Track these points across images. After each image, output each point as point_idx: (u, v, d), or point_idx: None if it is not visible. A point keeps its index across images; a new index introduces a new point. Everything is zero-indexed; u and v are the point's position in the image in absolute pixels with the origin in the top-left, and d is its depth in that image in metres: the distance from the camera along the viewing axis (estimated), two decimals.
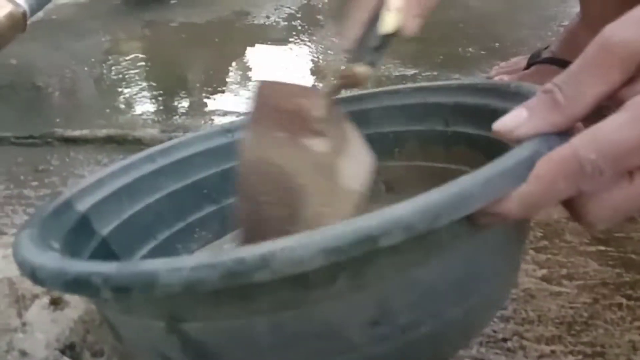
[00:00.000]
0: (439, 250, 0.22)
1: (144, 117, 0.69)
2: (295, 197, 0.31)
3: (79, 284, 0.21)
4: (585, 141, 0.22)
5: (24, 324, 0.40)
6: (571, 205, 0.23)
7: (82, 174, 0.58)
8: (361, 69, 0.33)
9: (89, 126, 0.66)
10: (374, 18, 0.34)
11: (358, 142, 0.34)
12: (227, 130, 0.41)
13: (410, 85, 0.42)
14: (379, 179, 0.40)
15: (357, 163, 0.32)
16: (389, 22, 0.33)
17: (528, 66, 0.70)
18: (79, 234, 0.31)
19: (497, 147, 0.33)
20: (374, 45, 0.34)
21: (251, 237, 0.32)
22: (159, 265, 0.20)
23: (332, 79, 0.35)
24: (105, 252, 0.32)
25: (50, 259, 0.24)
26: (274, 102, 0.32)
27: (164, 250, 0.37)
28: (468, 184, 0.20)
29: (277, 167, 0.31)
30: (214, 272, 0.19)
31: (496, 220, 0.22)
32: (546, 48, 0.70)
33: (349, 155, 0.32)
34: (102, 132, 0.65)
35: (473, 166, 0.37)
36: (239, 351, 0.23)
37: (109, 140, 0.63)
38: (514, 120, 0.24)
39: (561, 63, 0.68)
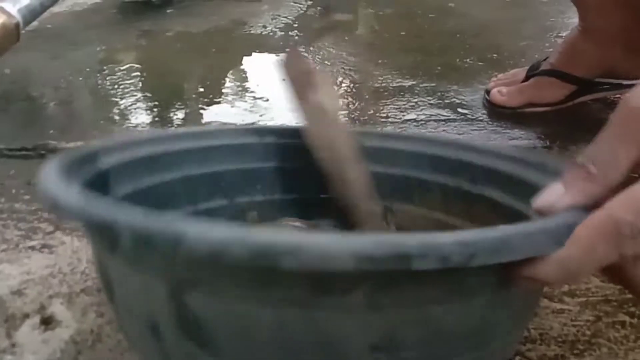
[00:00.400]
0: (466, 293, 0.22)
1: (139, 128, 0.68)
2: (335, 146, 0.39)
3: (101, 224, 0.21)
4: (621, 203, 0.22)
5: (13, 345, 0.39)
6: (617, 273, 0.24)
7: None
8: (339, 15, 0.40)
9: (83, 138, 0.65)
10: None
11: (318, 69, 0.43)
12: (258, 131, 0.42)
13: (446, 136, 0.45)
14: (391, 219, 0.42)
15: (327, 91, 0.39)
16: None
17: (527, 78, 0.70)
18: (95, 188, 0.30)
19: (520, 218, 0.35)
20: None
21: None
22: (189, 226, 0.19)
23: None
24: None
25: (76, 195, 0.23)
26: (291, 74, 0.40)
27: None
28: (510, 232, 0.21)
29: (321, 136, 0.39)
30: (243, 247, 0.19)
31: (534, 283, 0.23)
32: (545, 60, 0.70)
33: (322, 84, 0.39)
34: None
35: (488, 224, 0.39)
36: (232, 337, 0.23)
37: None
38: (552, 196, 0.25)
39: (560, 75, 0.68)
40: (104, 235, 0.23)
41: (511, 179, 0.37)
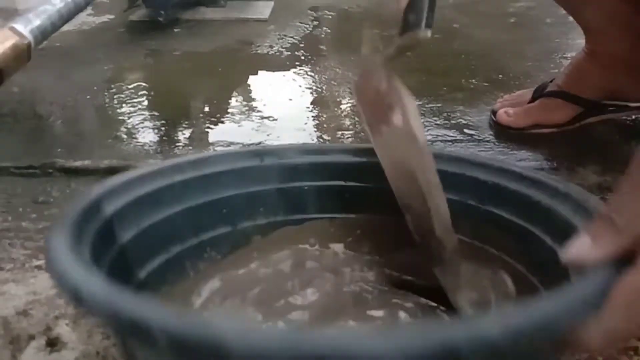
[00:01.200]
0: None
1: (146, 147, 0.69)
2: (415, 181, 0.36)
3: (134, 328, 0.20)
4: None
5: None
6: None
7: None
8: (426, 35, 0.36)
9: (90, 157, 0.65)
10: None
11: (405, 91, 0.37)
12: (257, 154, 0.41)
13: (451, 151, 0.43)
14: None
15: (415, 115, 0.37)
16: None
17: (533, 99, 0.70)
18: (103, 239, 0.30)
19: (530, 237, 0.35)
20: (425, 6, 0.36)
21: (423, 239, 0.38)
22: (229, 331, 0.19)
23: (396, 47, 0.38)
24: (121, 261, 0.32)
25: (100, 286, 0.22)
26: (365, 96, 0.39)
27: (173, 265, 0.37)
28: (552, 309, 0.21)
29: (402, 163, 0.38)
30: (288, 353, 0.19)
31: (579, 352, 0.24)
32: (551, 81, 0.70)
33: (409, 109, 0.37)
34: (104, 163, 0.64)
35: (499, 249, 0.38)
36: None
37: (110, 171, 0.62)
38: (581, 250, 0.25)
39: (567, 96, 0.68)
40: (134, 331, 0.22)
41: (522, 199, 0.36)
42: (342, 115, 0.78)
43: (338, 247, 0.43)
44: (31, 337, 0.41)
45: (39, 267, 0.48)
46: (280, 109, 0.79)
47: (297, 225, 0.43)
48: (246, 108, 0.81)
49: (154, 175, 0.36)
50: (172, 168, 0.37)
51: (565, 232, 0.32)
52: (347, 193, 0.43)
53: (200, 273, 0.38)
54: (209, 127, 0.74)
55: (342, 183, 0.43)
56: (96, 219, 0.31)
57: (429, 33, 0.37)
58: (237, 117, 0.77)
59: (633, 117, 0.71)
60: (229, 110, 0.80)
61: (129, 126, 0.74)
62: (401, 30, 0.38)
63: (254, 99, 0.85)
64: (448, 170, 0.40)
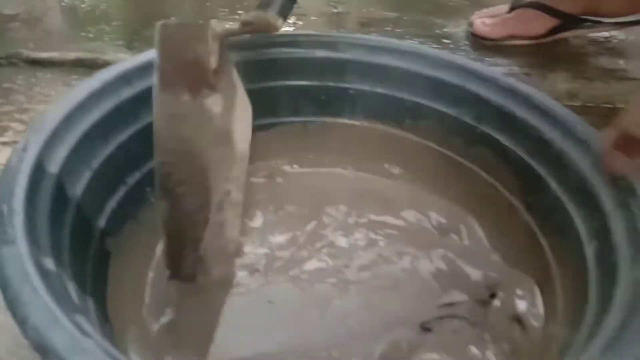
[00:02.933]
0: None
1: (117, 43, 0.67)
2: (205, 179, 0.29)
3: None
4: None
5: None
6: None
7: (48, 93, 0.56)
8: (275, 19, 0.32)
9: (58, 49, 0.63)
10: None
11: (241, 90, 0.32)
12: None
13: (449, 56, 0.37)
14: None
15: (244, 119, 0.31)
16: None
17: (511, 10, 0.70)
18: (56, 210, 0.26)
19: (528, 169, 0.33)
20: None
21: (174, 241, 0.29)
22: None
23: (240, 22, 0.33)
24: (81, 220, 0.28)
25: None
26: (175, 50, 0.29)
27: (134, 197, 0.33)
28: None
29: (188, 144, 0.29)
30: None
31: None
32: None
33: (238, 110, 0.31)
34: (72, 55, 0.62)
35: (491, 174, 0.35)
36: None
37: (78, 63, 0.61)
38: (618, 164, 0.27)
39: (544, 8, 0.68)
40: None
41: (527, 126, 0.33)
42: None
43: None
44: None
45: (3, 144, 0.48)
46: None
47: (266, 130, 0.39)
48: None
49: (98, 95, 0.31)
50: (118, 82, 0.32)
51: (578, 185, 0.29)
52: (324, 94, 0.39)
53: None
54: None
55: (317, 83, 0.39)
56: (43, 187, 0.26)
57: (279, 22, 0.33)
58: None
59: (607, 33, 0.71)
60: (204, 14, 0.77)
61: (99, 27, 0.72)
62: (256, 7, 0.33)
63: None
64: (446, 80, 0.36)
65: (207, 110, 0.29)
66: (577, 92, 0.58)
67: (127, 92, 0.32)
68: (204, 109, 0.29)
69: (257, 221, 0.37)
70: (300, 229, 0.37)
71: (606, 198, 0.28)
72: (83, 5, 0.78)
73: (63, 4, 0.79)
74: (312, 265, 0.34)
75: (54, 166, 0.27)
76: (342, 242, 0.36)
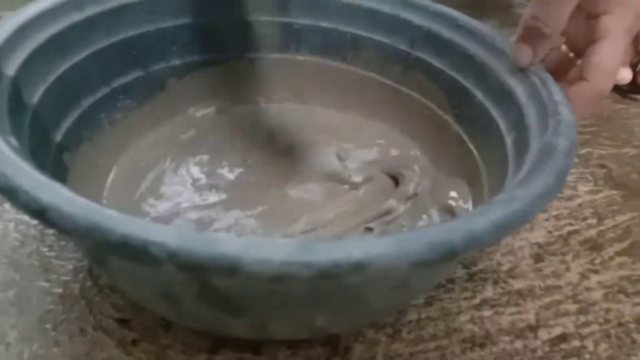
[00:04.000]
0: None
1: None
2: None
3: (132, 251, 0.18)
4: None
5: None
6: None
7: None
8: None
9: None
10: None
11: None
12: None
13: None
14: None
15: None
16: None
17: None
18: (14, 110, 0.27)
19: (456, 85, 0.36)
20: None
21: None
22: (241, 250, 0.18)
23: None
24: (38, 129, 0.29)
25: (72, 200, 0.19)
26: None
27: (89, 120, 0.34)
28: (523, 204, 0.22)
29: None
30: (307, 270, 0.18)
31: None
32: None
33: None
34: None
35: (426, 96, 0.38)
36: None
37: None
38: (526, 57, 0.31)
39: None
40: (140, 260, 0.19)
41: (455, 48, 0.36)
42: None
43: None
44: None
45: None
46: None
47: (214, 66, 0.40)
48: None
49: (51, 14, 0.31)
50: (69, 4, 0.33)
51: (498, 89, 0.32)
52: (270, 30, 0.41)
53: (116, 125, 0.36)
54: None
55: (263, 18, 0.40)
56: (2, 85, 0.27)
57: None
58: None
59: None
60: None
61: None
62: None
63: None
64: (381, 10, 0.39)
65: None
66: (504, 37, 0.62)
67: (78, 16, 0.33)
68: None
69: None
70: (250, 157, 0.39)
71: (520, 93, 0.31)
72: None
73: None
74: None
75: (10, 69, 0.28)
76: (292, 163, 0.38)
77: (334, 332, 0.29)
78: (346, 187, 0.37)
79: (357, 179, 0.38)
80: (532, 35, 0.30)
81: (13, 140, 0.23)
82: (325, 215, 0.34)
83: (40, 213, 0.19)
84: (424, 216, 0.35)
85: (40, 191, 0.20)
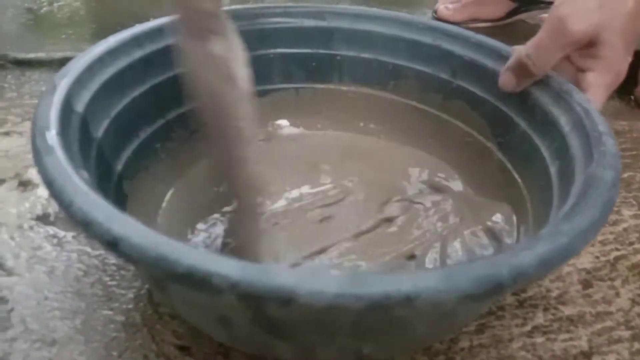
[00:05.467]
0: None
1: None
2: (223, 118, 0.31)
3: (196, 281, 0.19)
4: None
5: None
6: None
7: (40, 89, 0.58)
8: None
9: (43, 50, 0.65)
10: None
11: (235, 35, 0.33)
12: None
13: (424, 20, 0.42)
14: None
15: (242, 60, 0.32)
16: None
17: None
18: (83, 144, 0.29)
19: (499, 114, 0.37)
20: None
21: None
22: (296, 281, 0.19)
23: None
24: (102, 160, 0.31)
25: (142, 232, 0.21)
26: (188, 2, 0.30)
27: (146, 150, 0.36)
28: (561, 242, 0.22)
29: (208, 86, 0.31)
30: (359, 302, 0.19)
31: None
32: None
33: (236, 52, 0.32)
34: (58, 55, 0.64)
35: (468, 124, 0.40)
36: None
37: (66, 62, 0.63)
38: (510, 84, 0.36)
39: None
40: (202, 291, 0.20)
41: (495, 76, 0.36)
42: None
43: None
44: (1, 181, 0.42)
45: (3, 133, 0.49)
46: None
47: (262, 96, 0.42)
48: None
49: (113, 53, 0.34)
50: (130, 43, 0.35)
51: (541, 118, 0.33)
52: (314, 61, 0.43)
53: (170, 154, 0.38)
54: None
55: (308, 50, 0.42)
56: (72, 123, 0.28)
57: None
58: None
59: None
60: None
61: (79, 27, 0.74)
62: None
63: None
64: (422, 41, 0.40)
65: (211, 54, 0.31)
66: None
67: (138, 53, 0.35)
68: (209, 52, 0.31)
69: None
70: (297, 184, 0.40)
71: (564, 123, 0.32)
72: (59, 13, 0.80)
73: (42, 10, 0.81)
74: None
75: (79, 106, 0.30)
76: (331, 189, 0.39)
77: (379, 359, 0.30)
78: (387, 215, 0.38)
79: (396, 212, 0.38)
80: (521, 69, 0.34)
81: (84, 173, 0.25)
82: (367, 244, 0.35)
83: (113, 244, 0.21)
84: (468, 236, 0.35)
85: (112, 223, 0.21)
